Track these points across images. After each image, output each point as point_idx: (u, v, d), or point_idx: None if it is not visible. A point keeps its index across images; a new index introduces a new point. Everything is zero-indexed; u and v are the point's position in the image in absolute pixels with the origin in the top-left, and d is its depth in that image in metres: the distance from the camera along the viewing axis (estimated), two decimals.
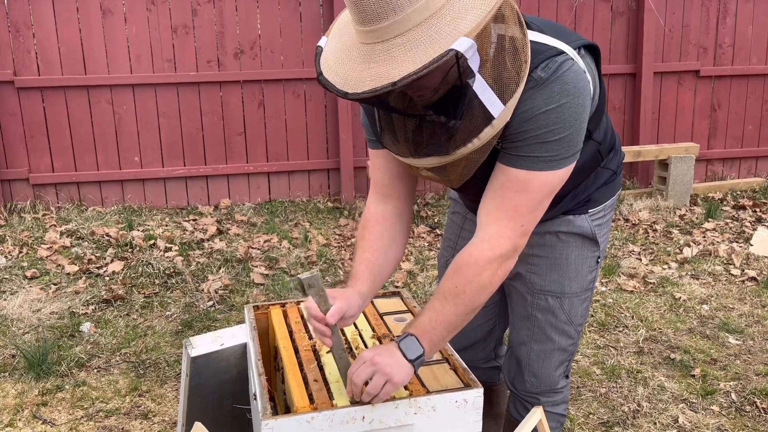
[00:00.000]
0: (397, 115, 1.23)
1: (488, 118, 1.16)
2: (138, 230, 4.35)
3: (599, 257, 1.59)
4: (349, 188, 5.07)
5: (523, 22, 1.20)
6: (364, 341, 1.59)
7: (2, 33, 4.53)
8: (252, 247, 4.14)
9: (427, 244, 4.31)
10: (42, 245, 4.07)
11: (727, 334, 3.12)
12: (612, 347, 3.00)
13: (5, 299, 3.38)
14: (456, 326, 1.31)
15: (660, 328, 3.18)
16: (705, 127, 5.64)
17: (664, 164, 5.22)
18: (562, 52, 1.22)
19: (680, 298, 3.51)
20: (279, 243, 4.25)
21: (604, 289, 3.63)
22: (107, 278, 3.67)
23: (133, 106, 4.80)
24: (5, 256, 3.91)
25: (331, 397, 1.34)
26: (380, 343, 1.57)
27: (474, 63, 1.08)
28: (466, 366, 1.45)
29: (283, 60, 4.94)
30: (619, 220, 4.84)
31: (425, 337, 1.29)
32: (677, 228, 4.67)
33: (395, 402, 1.32)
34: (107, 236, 4.21)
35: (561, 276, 1.55)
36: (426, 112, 1.18)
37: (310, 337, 1.61)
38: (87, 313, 3.27)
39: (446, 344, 1.47)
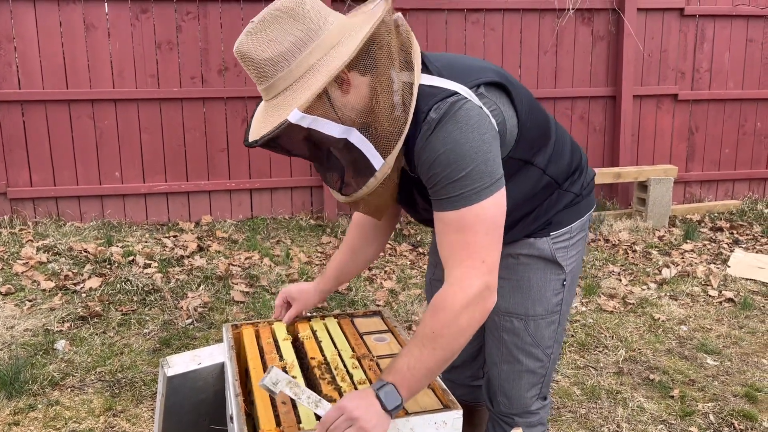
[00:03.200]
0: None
1: (371, 170, 1.26)
2: (117, 246, 4.30)
3: (565, 280, 1.58)
4: (331, 206, 5.06)
5: (415, 69, 1.26)
6: (343, 361, 1.57)
7: None
8: (233, 265, 4.11)
9: (409, 263, 4.31)
10: (18, 260, 4.00)
11: (705, 355, 3.15)
12: (592, 367, 3.01)
13: None
14: (435, 371, 1.28)
15: (639, 349, 3.20)
16: (683, 149, 5.74)
17: (643, 186, 5.29)
18: (454, 93, 1.26)
19: (659, 318, 3.54)
20: (260, 260, 4.22)
21: (584, 309, 3.65)
22: (84, 295, 3.61)
23: (115, 121, 4.77)
24: None
25: (298, 420, 1.32)
26: (360, 363, 1.56)
27: (323, 127, 1.18)
28: (445, 387, 1.45)
29: None
30: (599, 240, 4.89)
31: (404, 384, 1.25)
32: (656, 249, 4.72)
33: None
34: (85, 252, 4.15)
35: (524, 298, 1.55)
36: (317, 161, 1.32)
37: (281, 358, 1.59)
38: (62, 330, 3.21)
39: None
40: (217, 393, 1.85)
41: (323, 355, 1.60)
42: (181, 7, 4.73)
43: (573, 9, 5.15)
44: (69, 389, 2.71)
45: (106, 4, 4.62)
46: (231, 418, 1.41)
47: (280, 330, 1.77)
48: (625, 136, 5.47)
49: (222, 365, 1.81)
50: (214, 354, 1.83)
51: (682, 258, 4.55)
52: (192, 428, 1.88)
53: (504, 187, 1.29)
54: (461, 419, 1.36)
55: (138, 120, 4.80)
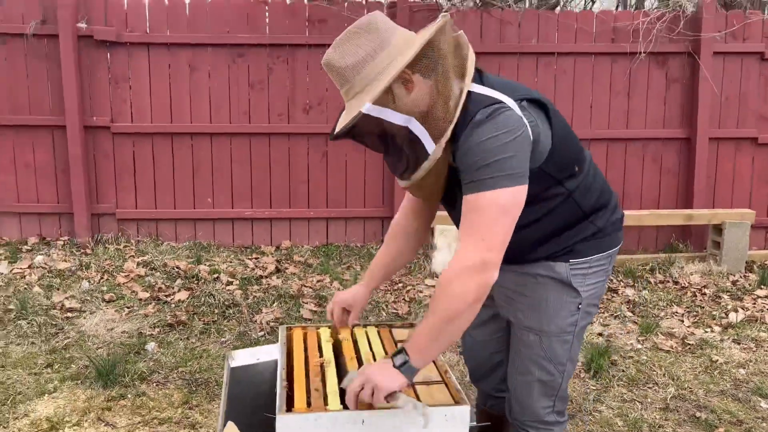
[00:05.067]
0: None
1: (426, 154, 1.53)
2: (205, 264, 4.75)
3: (581, 304, 1.73)
4: None
5: (467, 77, 1.54)
6: (375, 360, 1.81)
7: (104, 84, 5.16)
8: (305, 286, 4.45)
9: None
10: (121, 273, 4.53)
11: (759, 398, 3.12)
12: (638, 402, 3.06)
13: (85, 318, 3.80)
14: (438, 334, 1.48)
15: (691, 388, 3.21)
16: (764, 194, 5.60)
17: (718, 229, 5.21)
18: (499, 102, 1.51)
19: (717, 360, 3.52)
20: (330, 283, 4.53)
21: (639, 346, 3.68)
22: (173, 305, 4.05)
23: (210, 153, 5.30)
24: (89, 281, 4.38)
25: (326, 402, 1.58)
26: None
27: (389, 116, 1.49)
28: (459, 387, 1.66)
29: None
30: (668, 281, 4.85)
31: (413, 348, 1.51)
32: (728, 293, 4.64)
33: (392, 411, 1.53)
34: (177, 268, 4.62)
35: (540, 315, 1.72)
36: (383, 148, 1.61)
37: (321, 355, 1.86)
38: (153, 334, 3.64)
39: (437, 355, 1.66)
40: (273, 386, 2.13)
41: (358, 355, 1.85)
42: (273, 52, 5.24)
43: (645, 53, 5.24)
44: (154, 384, 3.09)
45: (209, 48, 5.20)
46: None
47: (324, 333, 2.04)
48: (699, 178, 5.43)
49: (277, 362, 2.09)
50: (272, 352, 2.12)
51: (754, 303, 4.45)
52: (251, 415, 2.17)
53: (525, 185, 1.49)
54: (468, 414, 1.56)
55: (230, 152, 5.31)
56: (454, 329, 1.49)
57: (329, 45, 1.55)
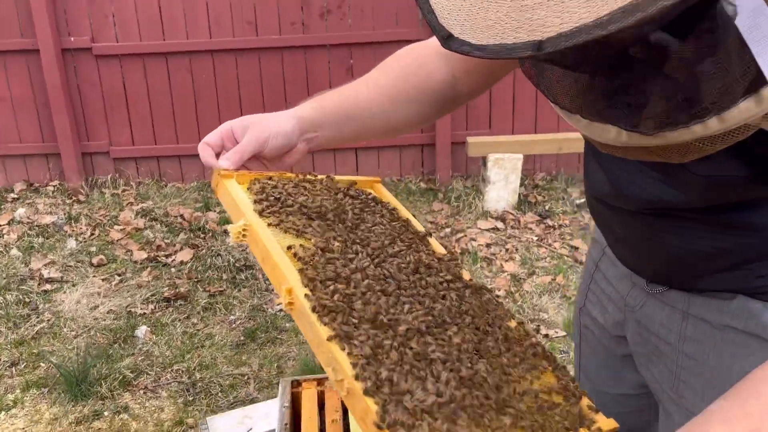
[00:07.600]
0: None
1: (754, 83, 0.54)
2: (214, 211, 4.00)
3: None
4: (445, 167, 4.47)
5: None
6: None
7: None
8: None
9: (536, 239, 3.65)
10: (115, 227, 3.82)
11: None
12: None
13: (65, 292, 3.12)
14: None
15: None
16: None
17: None
18: None
19: None
20: None
21: None
22: (173, 269, 3.34)
23: (213, 74, 4.42)
24: (76, 239, 3.69)
25: None
26: None
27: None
28: None
29: (374, 20, 4.35)
30: None
31: None
32: None
33: None
34: (181, 218, 3.89)
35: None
36: (635, 70, 0.57)
37: None
38: (145, 313, 2.94)
39: None
40: None
41: None
42: None
43: None
44: (141, 390, 2.41)
45: None
46: None
47: None
48: None
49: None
50: (270, 415, 1.37)
51: None
52: None
53: None
54: None
55: (236, 72, 4.42)
56: None
57: None
